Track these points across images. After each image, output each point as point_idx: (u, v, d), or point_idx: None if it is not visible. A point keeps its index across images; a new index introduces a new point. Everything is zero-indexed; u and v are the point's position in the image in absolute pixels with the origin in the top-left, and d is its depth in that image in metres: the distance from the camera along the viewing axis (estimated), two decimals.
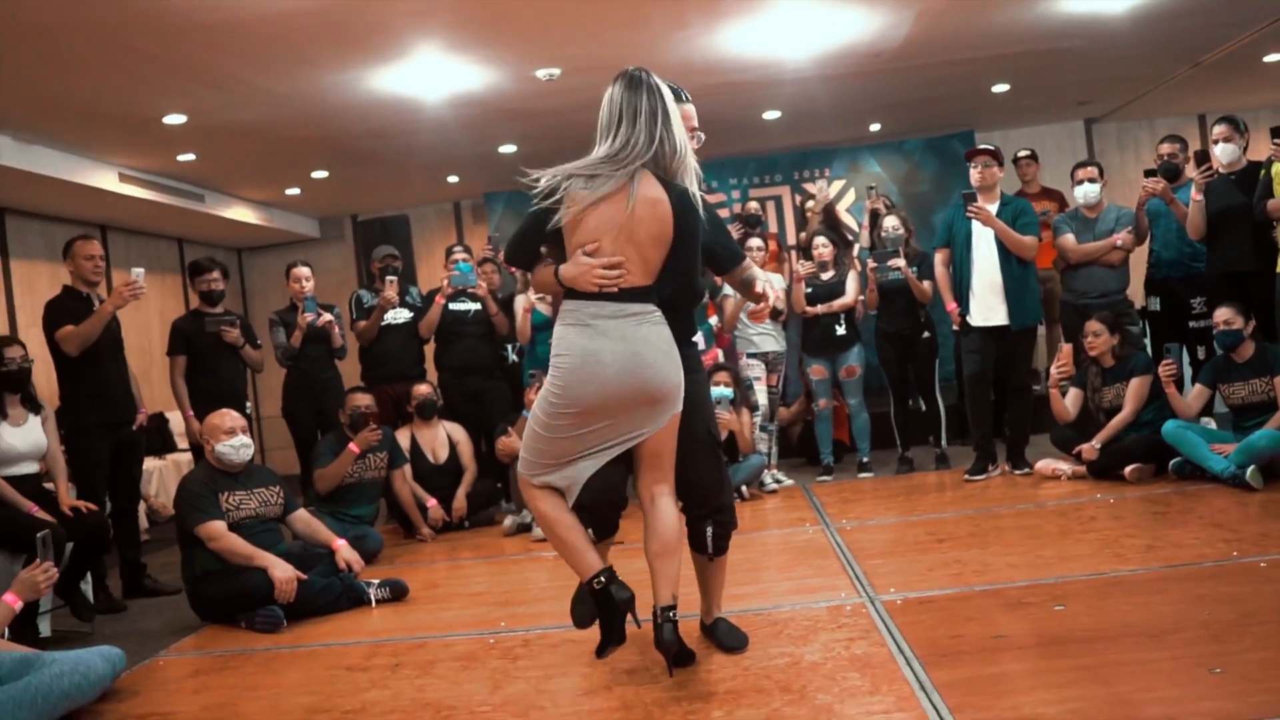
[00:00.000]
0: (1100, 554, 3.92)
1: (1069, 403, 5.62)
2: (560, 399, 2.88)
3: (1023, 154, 7.66)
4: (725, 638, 3.27)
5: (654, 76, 2.92)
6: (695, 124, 3.18)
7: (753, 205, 8.12)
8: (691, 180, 2.94)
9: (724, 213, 9.41)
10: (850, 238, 8.46)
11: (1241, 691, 2.48)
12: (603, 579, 2.89)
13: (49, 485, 4.66)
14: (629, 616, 2.93)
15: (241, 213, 9.00)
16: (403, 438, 6.04)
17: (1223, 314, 5.09)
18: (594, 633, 3.01)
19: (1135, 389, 5.34)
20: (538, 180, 2.88)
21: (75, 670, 3.13)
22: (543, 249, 3.01)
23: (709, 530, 3.15)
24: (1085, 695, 2.56)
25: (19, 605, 3.18)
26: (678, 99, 3.06)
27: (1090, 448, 5.40)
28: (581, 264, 2.84)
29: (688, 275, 2.98)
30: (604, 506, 3.15)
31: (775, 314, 6.47)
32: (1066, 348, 5.65)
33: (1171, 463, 5.17)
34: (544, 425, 2.93)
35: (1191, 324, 5.94)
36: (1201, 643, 2.82)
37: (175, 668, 3.76)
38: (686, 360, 3.01)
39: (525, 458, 3.01)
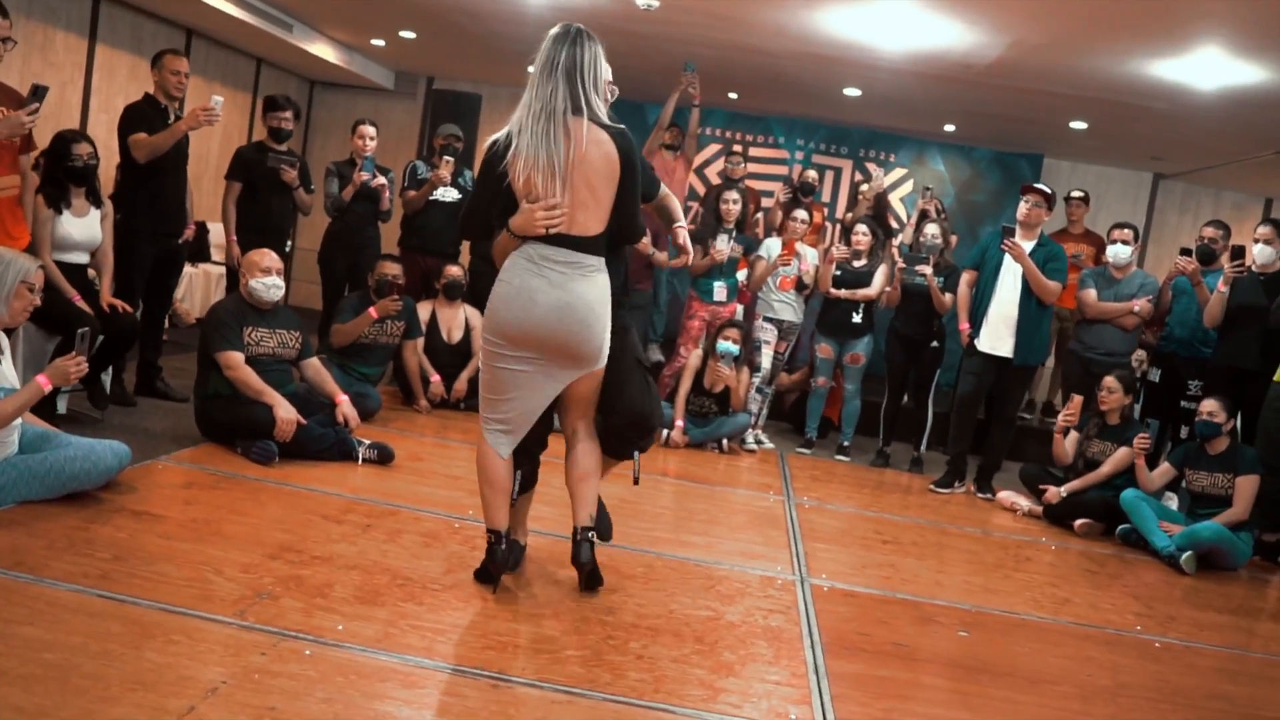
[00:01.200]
0: (1020, 594, 4.22)
1: (1068, 444, 5.87)
2: (490, 324, 3.20)
3: (1076, 195, 7.77)
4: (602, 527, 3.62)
5: (584, 33, 3.11)
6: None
7: (810, 173, 8.26)
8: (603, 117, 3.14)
9: (782, 170, 9.58)
10: (895, 227, 8.66)
11: None
12: (494, 538, 3.28)
13: (93, 276, 4.98)
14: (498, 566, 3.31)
15: (323, 49, 9.17)
16: (424, 311, 6.33)
17: (1209, 405, 5.31)
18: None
19: (1121, 458, 5.55)
20: (494, 145, 3.12)
21: (87, 458, 3.49)
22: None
23: (636, 453, 3.53)
24: (950, 717, 2.88)
25: (49, 388, 3.49)
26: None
27: (1055, 492, 5.67)
28: (525, 210, 3.09)
29: (631, 209, 3.20)
30: (529, 458, 3.46)
31: (800, 287, 6.71)
32: (1077, 400, 5.88)
33: (1120, 528, 5.43)
34: (485, 353, 3.24)
35: (1184, 404, 6.15)
36: (1070, 699, 3.14)
37: (172, 474, 4.12)
38: (617, 300, 3.29)
39: (481, 393, 3.32)
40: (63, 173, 4.73)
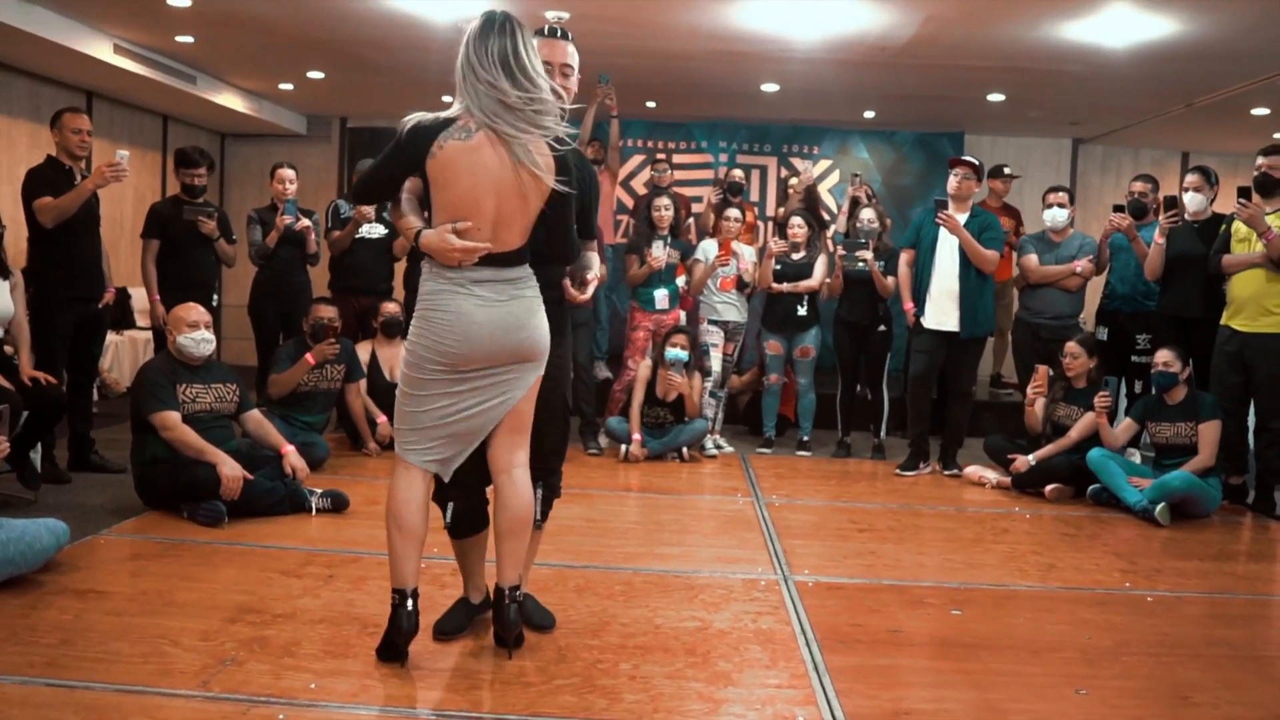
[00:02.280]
0: (1005, 566, 4.16)
1: (1038, 412, 5.85)
2: (428, 351, 2.77)
3: (1007, 172, 7.81)
4: (534, 615, 3.16)
5: (511, 19, 2.70)
6: (572, 63, 3.02)
7: (737, 173, 8.20)
8: (553, 124, 2.72)
9: (708, 174, 9.53)
10: (827, 218, 8.64)
11: (1100, 715, 2.71)
12: (398, 598, 2.81)
13: (9, 350, 4.74)
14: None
15: (231, 99, 8.95)
16: (363, 352, 6.15)
17: (1163, 356, 5.31)
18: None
19: (1087, 423, 5.52)
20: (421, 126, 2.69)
21: (21, 539, 3.27)
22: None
23: (539, 493, 3.08)
24: (960, 698, 2.78)
25: None
26: (553, 36, 3.01)
27: (1024, 461, 5.63)
28: (446, 242, 2.67)
29: (563, 230, 2.89)
30: (476, 494, 3.07)
31: (741, 286, 6.63)
32: (1043, 369, 5.86)
33: (1090, 488, 5.41)
34: (415, 384, 2.81)
35: (1134, 359, 6.17)
36: (1075, 664, 3.06)
37: (115, 548, 3.91)
38: (554, 321, 2.94)
39: (399, 428, 2.88)
40: None
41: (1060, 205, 6.24)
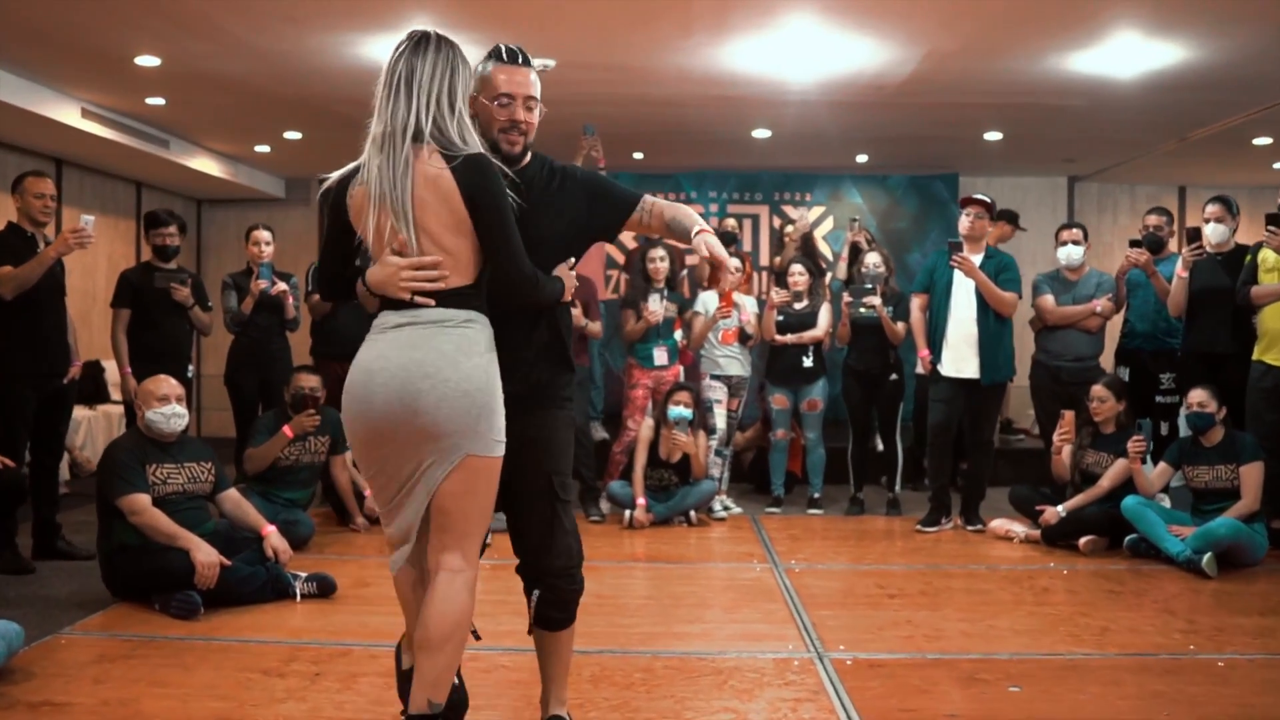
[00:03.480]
0: (1055, 631, 3.82)
1: (1065, 459, 5.55)
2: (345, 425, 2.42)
3: (1023, 225, 7.61)
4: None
5: (433, 38, 2.37)
6: (536, 94, 2.56)
7: (730, 222, 8.01)
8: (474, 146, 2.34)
9: None
10: (824, 266, 8.38)
11: None
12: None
13: None
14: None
15: (206, 164, 8.68)
16: None
17: (1197, 396, 5.02)
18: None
19: (1119, 470, 5.22)
20: (326, 189, 2.41)
21: None
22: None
23: (533, 597, 2.63)
24: None
25: None
26: (514, 61, 2.54)
27: (1053, 512, 5.31)
28: (388, 264, 2.29)
29: (500, 254, 2.34)
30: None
31: (744, 338, 6.34)
32: (1069, 415, 5.55)
33: (1127, 539, 5.09)
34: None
35: (1159, 399, 5.88)
36: None
37: (78, 649, 3.52)
38: (550, 389, 2.62)
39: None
40: None
41: (1075, 242, 5.98)
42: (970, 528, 5.76)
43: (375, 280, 2.32)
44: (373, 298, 2.39)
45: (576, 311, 5.82)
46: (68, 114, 6.78)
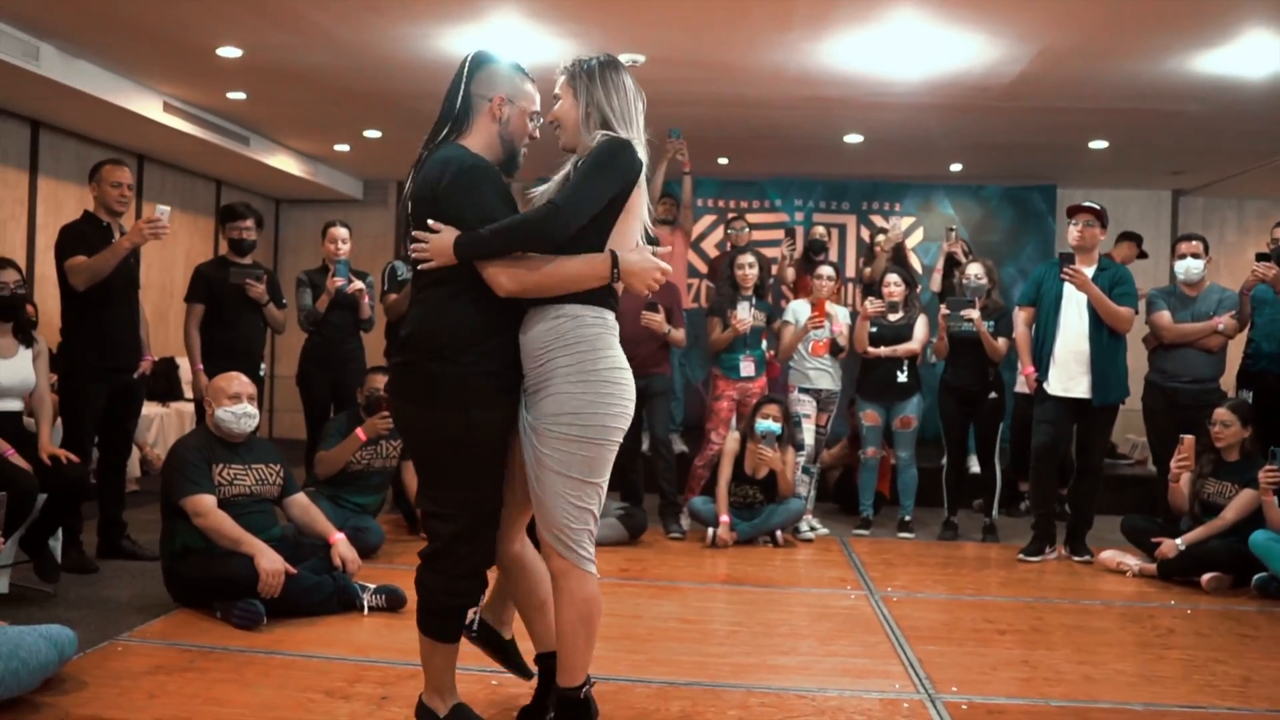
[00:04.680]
0: (1190, 680, 3.44)
1: (1184, 488, 5.16)
2: (617, 421, 2.47)
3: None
4: None
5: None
6: (532, 107, 2.68)
7: (819, 230, 7.70)
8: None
9: (774, 234, 8.86)
10: (916, 279, 8.01)
11: None
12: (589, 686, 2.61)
13: (31, 422, 4.26)
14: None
15: (285, 162, 8.60)
16: None
17: None
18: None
19: (1245, 501, 4.81)
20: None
21: (14, 655, 2.71)
22: None
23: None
24: None
25: None
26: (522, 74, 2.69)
27: (1171, 545, 4.90)
28: (651, 260, 2.50)
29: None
30: None
31: (836, 350, 6.01)
32: (1189, 440, 5.14)
33: (1256, 577, 4.67)
34: (599, 469, 2.48)
35: None
36: None
37: (134, 657, 3.32)
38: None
39: (581, 529, 2.49)
40: None
41: (1195, 255, 5.56)
42: (1077, 558, 5.37)
43: (633, 267, 2.46)
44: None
45: (659, 317, 5.59)
46: (149, 107, 6.72)
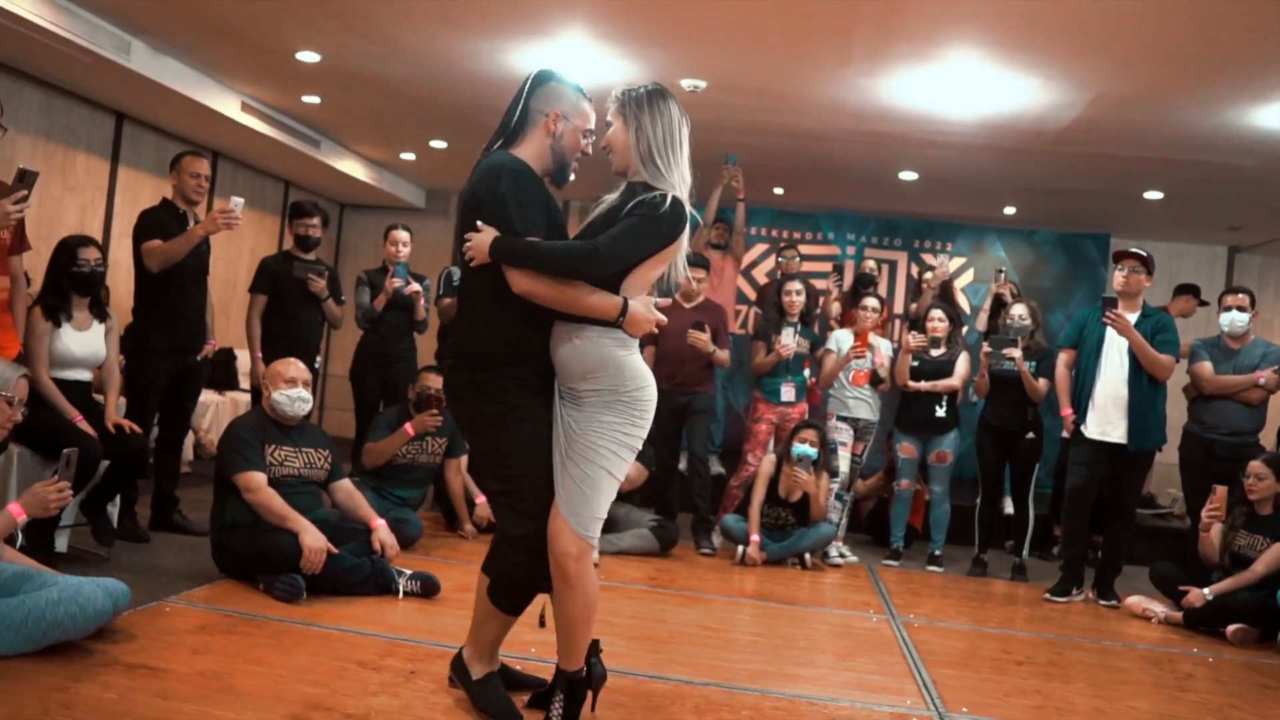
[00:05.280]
0: None
1: (1214, 539, 5.17)
2: (647, 411, 2.71)
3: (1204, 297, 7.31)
4: None
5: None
6: (586, 125, 2.89)
7: (869, 264, 7.77)
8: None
9: (825, 266, 8.94)
10: (962, 318, 8.06)
11: None
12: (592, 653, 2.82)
13: (99, 396, 4.47)
14: None
15: (352, 167, 8.87)
16: None
17: None
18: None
19: (1276, 554, 4.81)
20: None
21: (73, 600, 2.89)
22: None
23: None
24: None
25: (23, 519, 2.95)
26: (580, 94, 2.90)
27: (1198, 594, 4.92)
28: (653, 312, 2.71)
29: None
30: None
31: (876, 381, 6.10)
32: (1221, 490, 5.17)
33: None
34: (621, 452, 2.68)
35: None
36: None
37: (181, 618, 3.49)
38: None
39: (590, 518, 2.66)
40: (67, 280, 4.27)
41: (1240, 309, 5.59)
42: (1104, 602, 5.39)
43: (639, 316, 2.65)
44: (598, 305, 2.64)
45: (705, 337, 5.72)
46: (228, 106, 7.00)
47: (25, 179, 3.51)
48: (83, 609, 2.90)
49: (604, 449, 2.63)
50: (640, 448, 2.73)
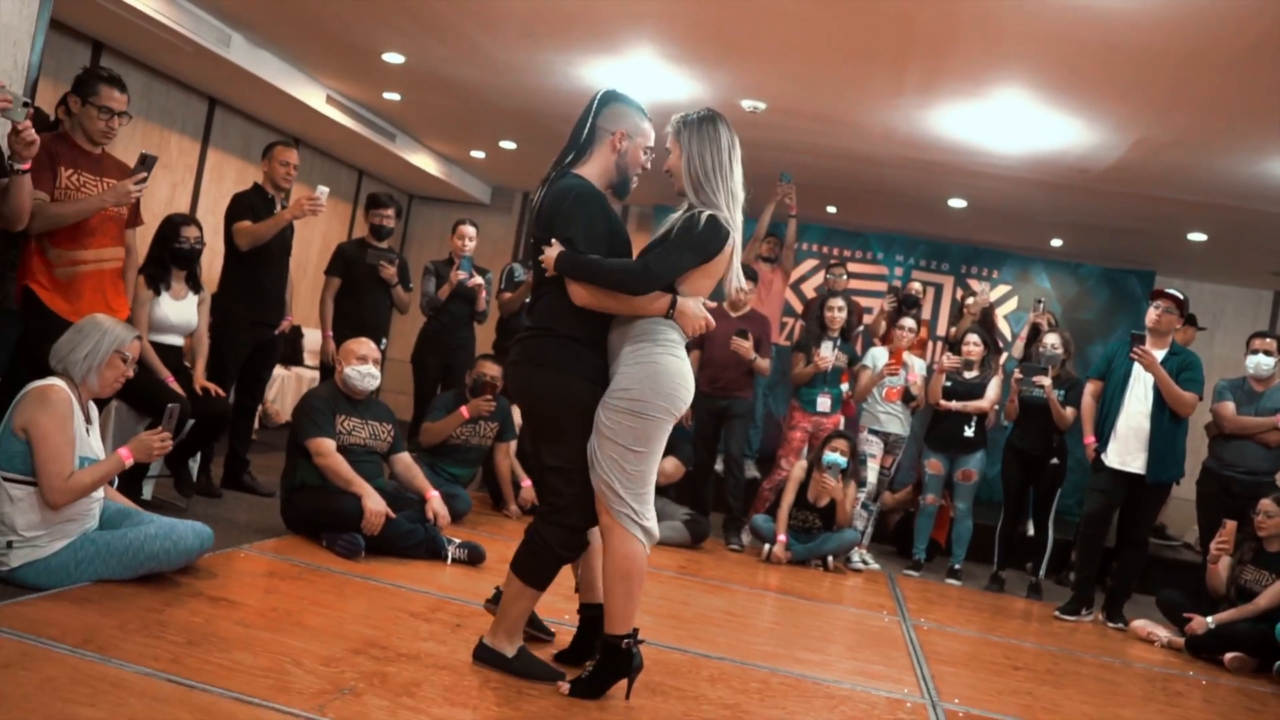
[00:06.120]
0: None
1: (1221, 570, 5.39)
2: (672, 397, 2.93)
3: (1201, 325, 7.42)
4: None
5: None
6: (647, 143, 3.19)
7: (915, 286, 8.01)
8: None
9: (880, 287, 9.27)
10: (1001, 345, 8.29)
11: None
12: (634, 637, 3.01)
13: (188, 363, 4.89)
14: None
15: (424, 161, 9.29)
16: (518, 415, 6.11)
17: None
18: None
19: (1279, 590, 5.06)
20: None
21: (168, 536, 3.28)
22: None
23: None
24: None
25: (130, 461, 3.32)
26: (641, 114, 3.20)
27: (1201, 622, 5.14)
28: (704, 311, 3.00)
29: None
30: None
31: (908, 398, 6.38)
32: (1231, 525, 5.40)
33: (1278, 664, 4.88)
34: (647, 440, 2.91)
35: None
36: None
37: (253, 563, 3.90)
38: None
39: (626, 495, 2.90)
40: (168, 254, 4.70)
41: (1267, 353, 5.79)
42: (1112, 624, 5.62)
43: (688, 313, 2.95)
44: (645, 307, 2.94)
45: (747, 344, 6.03)
46: (314, 98, 7.43)
47: (146, 163, 3.92)
48: (175, 545, 3.30)
49: (619, 423, 2.90)
50: (658, 411, 2.89)
